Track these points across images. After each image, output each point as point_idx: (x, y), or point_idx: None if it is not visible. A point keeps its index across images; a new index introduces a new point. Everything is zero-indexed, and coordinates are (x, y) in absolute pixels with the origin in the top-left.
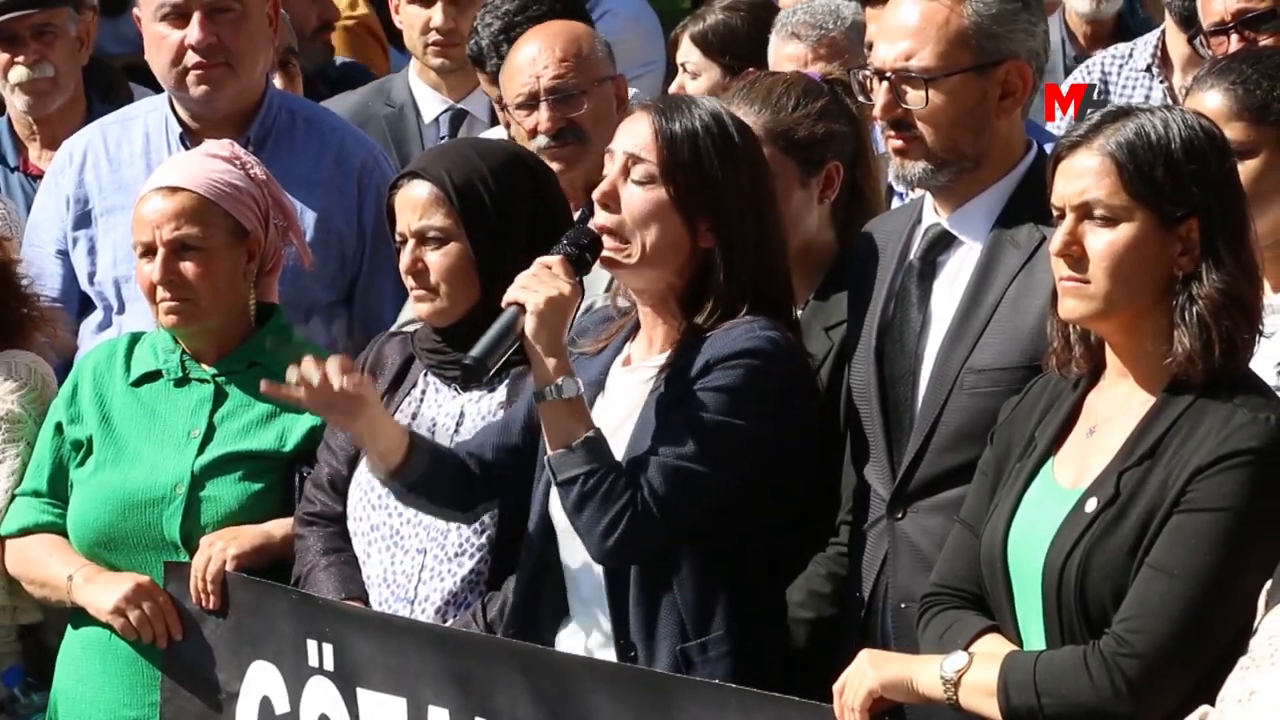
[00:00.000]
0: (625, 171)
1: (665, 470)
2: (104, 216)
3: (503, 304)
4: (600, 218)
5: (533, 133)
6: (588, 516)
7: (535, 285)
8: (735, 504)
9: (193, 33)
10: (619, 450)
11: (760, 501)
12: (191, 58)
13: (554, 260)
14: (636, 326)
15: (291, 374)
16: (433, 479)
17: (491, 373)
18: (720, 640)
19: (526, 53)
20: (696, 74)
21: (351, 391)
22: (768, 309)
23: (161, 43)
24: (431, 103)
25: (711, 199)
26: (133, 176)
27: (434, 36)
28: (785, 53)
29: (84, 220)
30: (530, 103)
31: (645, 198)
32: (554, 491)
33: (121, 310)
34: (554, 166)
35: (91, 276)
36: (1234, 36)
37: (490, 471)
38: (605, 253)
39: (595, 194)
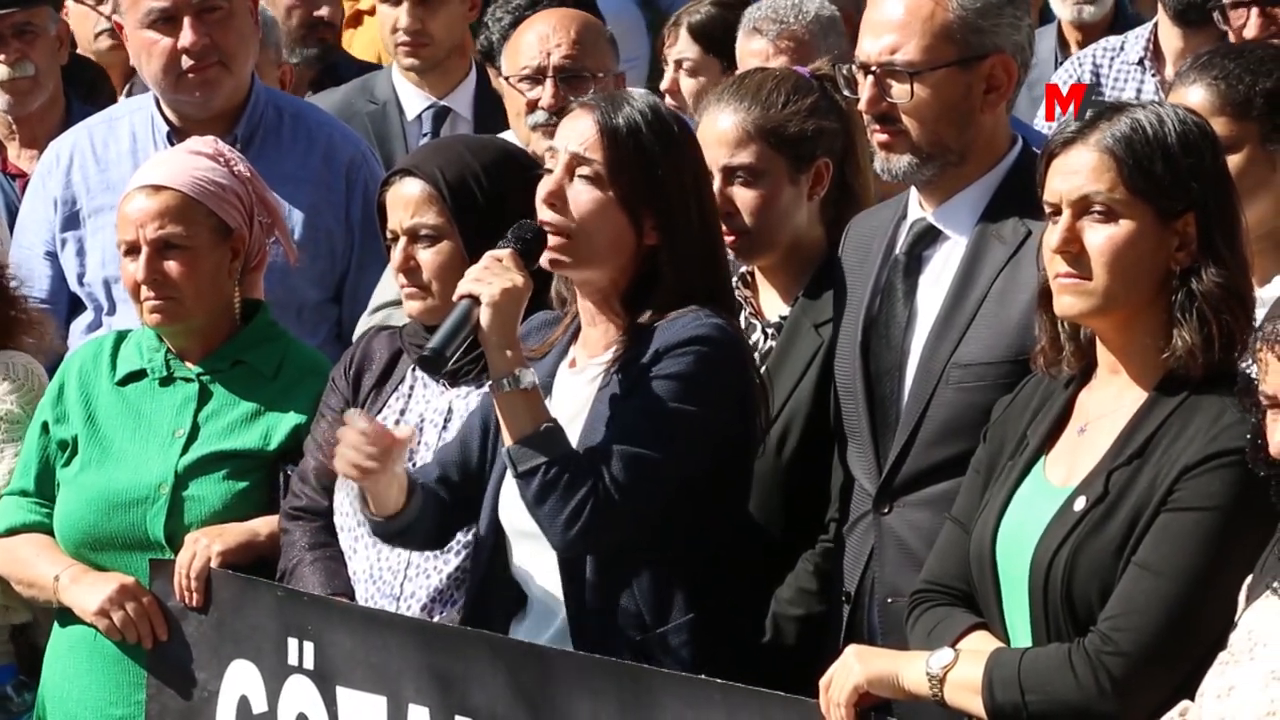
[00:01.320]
0: (570, 170)
1: (624, 458)
2: (92, 217)
3: (454, 297)
4: (544, 215)
5: (531, 106)
6: (550, 507)
7: (488, 277)
8: (696, 495)
9: (185, 36)
10: None
11: (718, 493)
12: (186, 61)
13: (504, 253)
14: (579, 329)
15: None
16: (417, 522)
17: (450, 364)
18: (680, 629)
19: (539, 29)
20: (695, 71)
21: (402, 439)
22: (711, 300)
23: (152, 48)
24: (414, 99)
25: (656, 195)
26: (120, 176)
27: (401, 37)
28: (749, 49)
29: (72, 221)
30: (536, 76)
31: (593, 197)
32: (504, 494)
33: (112, 311)
34: (547, 142)
35: (81, 278)
36: (1254, 11)
37: (459, 495)
38: (549, 253)
39: (540, 193)
